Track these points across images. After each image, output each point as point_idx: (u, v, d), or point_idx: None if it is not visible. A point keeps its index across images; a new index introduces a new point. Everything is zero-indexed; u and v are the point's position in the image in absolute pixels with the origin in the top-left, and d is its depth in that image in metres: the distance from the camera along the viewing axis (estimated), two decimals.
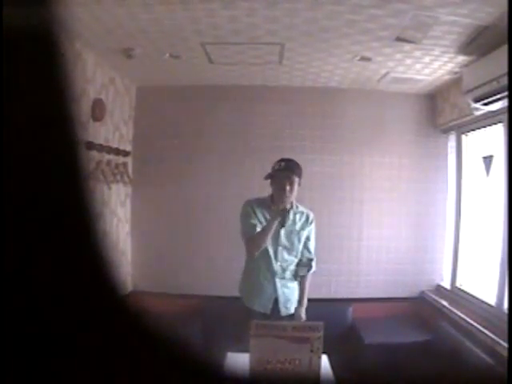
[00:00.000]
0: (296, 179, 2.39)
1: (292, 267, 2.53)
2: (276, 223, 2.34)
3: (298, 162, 2.44)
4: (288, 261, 2.50)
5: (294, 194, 2.42)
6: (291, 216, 2.47)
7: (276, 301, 2.50)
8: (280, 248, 2.47)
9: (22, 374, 0.50)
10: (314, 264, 2.60)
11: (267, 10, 2.15)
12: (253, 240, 2.41)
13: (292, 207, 2.49)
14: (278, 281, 2.49)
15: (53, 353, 0.51)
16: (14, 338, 0.49)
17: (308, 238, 2.56)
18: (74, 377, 0.51)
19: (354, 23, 2.27)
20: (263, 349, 1.85)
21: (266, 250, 2.46)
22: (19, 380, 0.49)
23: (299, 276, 2.59)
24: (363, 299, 3.60)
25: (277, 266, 2.48)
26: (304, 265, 2.58)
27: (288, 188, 2.35)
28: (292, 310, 2.55)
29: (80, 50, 2.59)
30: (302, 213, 2.53)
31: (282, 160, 2.43)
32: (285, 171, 2.38)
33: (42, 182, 0.50)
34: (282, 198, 2.36)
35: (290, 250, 2.49)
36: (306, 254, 2.57)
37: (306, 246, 2.56)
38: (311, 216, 2.55)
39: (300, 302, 2.58)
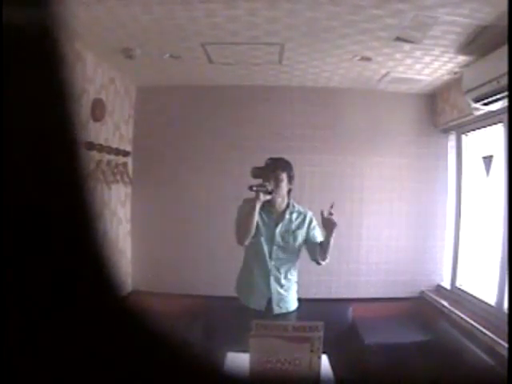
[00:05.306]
0: (283, 175, 2.43)
1: (288, 267, 2.53)
2: (257, 208, 2.35)
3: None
4: (283, 260, 2.50)
5: (283, 189, 2.45)
6: (287, 215, 2.49)
7: (270, 299, 2.51)
8: (275, 247, 2.48)
9: (21, 375, 0.50)
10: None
11: (267, 10, 2.15)
12: (237, 227, 2.45)
13: (288, 206, 2.50)
14: (272, 279, 2.50)
15: (52, 353, 0.51)
16: (13, 338, 0.49)
17: (314, 237, 2.51)
18: (74, 377, 0.51)
19: (354, 23, 2.27)
20: (263, 349, 1.84)
21: (261, 249, 2.47)
22: (20, 380, 0.49)
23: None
24: (363, 299, 3.60)
25: (271, 265, 2.49)
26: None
27: (273, 182, 2.39)
28: (286, 309, 2.53)
29: (80, 50, 2.59)
30: (300, 212, 2.53)
31: (270, 159, 2.48)
32: (271, 168, 2.42)
33: (42, 182, 0.50)
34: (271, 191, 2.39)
35: (285, 249, 2.49)
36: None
37: (314, 243, 2.50)
38: (308, 216, 2.54)
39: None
